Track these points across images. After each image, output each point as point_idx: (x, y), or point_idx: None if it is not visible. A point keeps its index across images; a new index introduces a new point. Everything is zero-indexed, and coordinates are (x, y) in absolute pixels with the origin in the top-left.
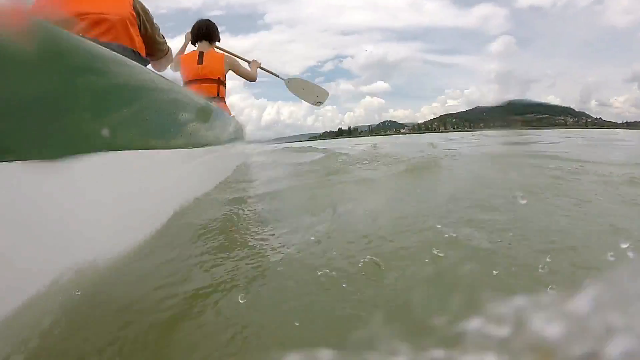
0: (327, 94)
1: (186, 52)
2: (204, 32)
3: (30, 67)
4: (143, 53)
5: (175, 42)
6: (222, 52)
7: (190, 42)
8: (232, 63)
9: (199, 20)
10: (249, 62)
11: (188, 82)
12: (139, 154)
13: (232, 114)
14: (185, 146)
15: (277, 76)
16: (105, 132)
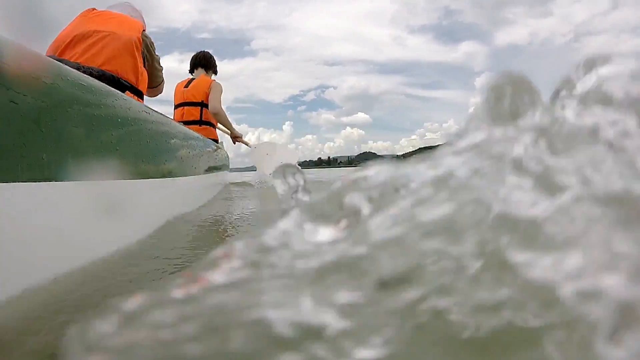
0: (297, 157)
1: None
2: (200, 59)
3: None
4: (140, 83)
5: (163, 61)
6: (212, 78)
7: (188, 71)
8: (213, 87)
9: (198, 52)
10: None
11: (176, 106)
12: (127, 183)
13: (220, 139)
14: (168, 175)
15: (248, 144)
16: (90, 162)
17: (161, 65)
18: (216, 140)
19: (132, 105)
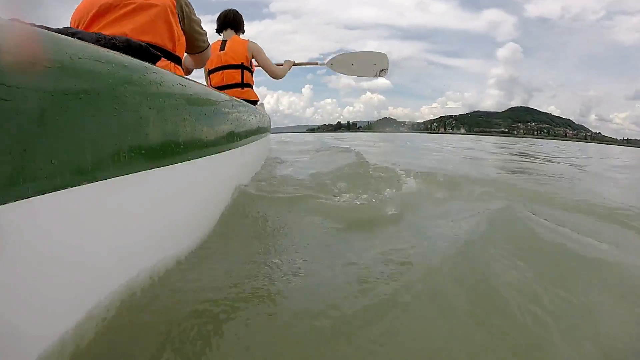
0: (386, 57)
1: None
2: (230, 19)
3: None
4: (178, 48)
5: None
6: (247, 39)
7: (215, 31)
8: (256, 49)
9: (225, 10)
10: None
11: (211, 71)
12: (177, 167)
13: (260, 101)
14: (218, 150)
15: (317, 64)
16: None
17: (204, 29)
18: (256, 102)
19: (164, 79)
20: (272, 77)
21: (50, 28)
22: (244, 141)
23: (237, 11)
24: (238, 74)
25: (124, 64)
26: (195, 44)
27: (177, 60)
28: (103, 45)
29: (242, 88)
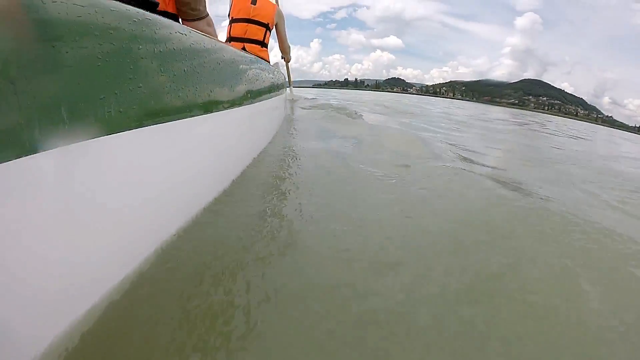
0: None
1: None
2: None
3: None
4: (168, 4)
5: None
6: (276, 4)
7: None
8: (281, 17)
9: None
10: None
11: (235, 21)
12: (186, 122)
13: (272, 62)
14: (231, 106)
15: (288, 79)
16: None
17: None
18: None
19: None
20: (281, 51)
21: None
22: (263, 97)
23: None
24: (262, 33)
25: (127, 13)
26: (185, 6)
27: (174, 18)
28: None
29: (262, 47)
